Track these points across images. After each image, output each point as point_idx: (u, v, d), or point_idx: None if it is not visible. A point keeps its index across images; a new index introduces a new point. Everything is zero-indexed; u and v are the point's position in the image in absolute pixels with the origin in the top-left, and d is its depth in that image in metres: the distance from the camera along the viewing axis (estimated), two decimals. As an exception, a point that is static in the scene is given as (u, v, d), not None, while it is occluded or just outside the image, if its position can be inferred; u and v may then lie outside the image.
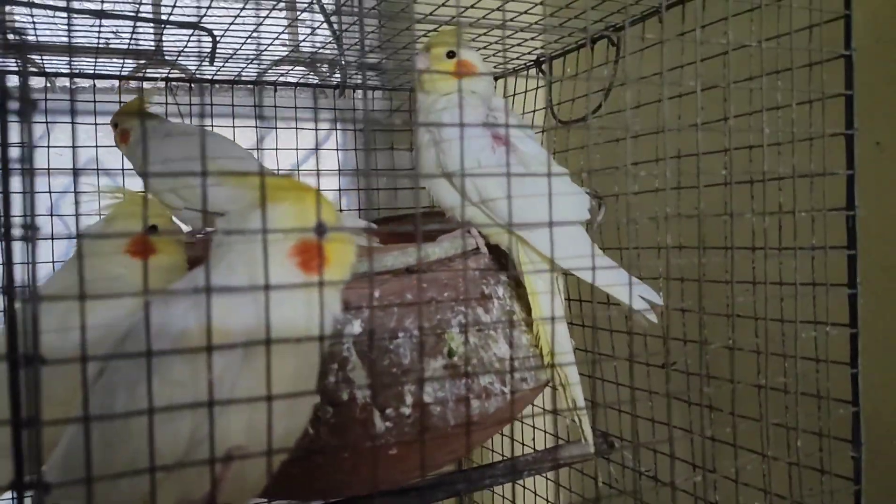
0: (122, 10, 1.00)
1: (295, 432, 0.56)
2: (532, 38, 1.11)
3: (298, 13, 1.14)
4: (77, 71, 1.22)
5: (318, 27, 1.16)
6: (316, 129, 1.40)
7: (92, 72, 1.21)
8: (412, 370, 0.80)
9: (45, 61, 1.19)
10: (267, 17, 0.92)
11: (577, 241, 0.85)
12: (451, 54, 0.90)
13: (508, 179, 0.61)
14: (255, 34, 1.08)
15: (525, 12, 0.99)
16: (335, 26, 1.16)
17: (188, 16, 1.07)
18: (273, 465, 0.54)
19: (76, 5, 1.14)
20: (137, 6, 0.90)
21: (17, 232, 0.43)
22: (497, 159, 0.86)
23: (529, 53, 1.18)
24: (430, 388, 0.80)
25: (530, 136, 0.93)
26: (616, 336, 1.03)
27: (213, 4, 0.94)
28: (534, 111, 1.22)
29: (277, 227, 0.52)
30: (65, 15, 0.90)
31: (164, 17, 1.00)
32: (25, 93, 0.43)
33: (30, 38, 1.11)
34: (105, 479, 0.44)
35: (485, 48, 1.16)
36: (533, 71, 1.21)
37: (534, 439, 1.23)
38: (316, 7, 1.13)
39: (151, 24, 0.97)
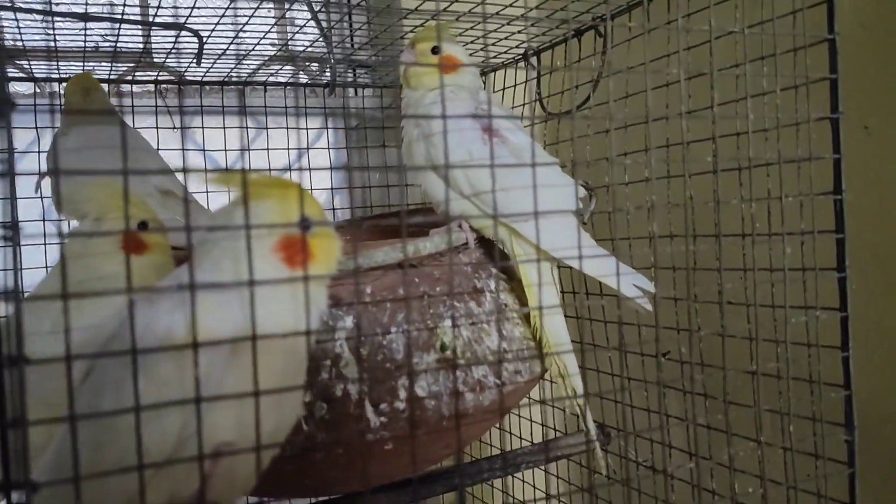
0: (108, 13, 0.99)
1: (284, 428, 0.56)
2: (519, 32, 1.11)
3: (284, 11, 1.14)
4: (66, 76, 1.21)
5: (305, 24, 1.16)
6: (307, 129, 1.40)
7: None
8: (406, 365, 0.80)
9: (33, 66, 1.19)
10: (252, 16, 0.92)
11: (570, 231, 0.85)
12: (435, 50, 0.90)
13: (493, 171, 0.61)
14: (242, 34, 1.08)
15: (510, 5, 0.99)
16: (323, 24, 1.16)
17: (175, 17, 1.07)
18: (263, 461, 0.54)
19: (63, 9, 1.14)
20: (122, 8, 0.90)
21: (-2, 233, 0.43)
22: (488, 151, 0.85)
23: (517, 47, 1.18)
24: (423, 382, 0.80)
25: (520, 127, 0.93)
26: (610, 326, 1.03)
27: (199, 5, 0.95)
28: (523, 105, 1.22)
29: (261, 223, 0.52)
30: (50, 19, 0.90)
31: (149, 19, 1.01)
32: (4, 93, 0.43)
33: (16, 42, 1.11)
34: (92, 478, 0.44)
35: (472, 42, 1.16)
36: (521, 64, 1.21)
37: (531, 432, 1.23)
38: (304, 5, 1.13)
39: (137, 27, 0.97)
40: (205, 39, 1.02)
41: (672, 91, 0.85)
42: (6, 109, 0.44)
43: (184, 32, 0.98)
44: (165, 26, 0.94)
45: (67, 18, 0.88)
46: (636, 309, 0.85)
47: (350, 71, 1.38)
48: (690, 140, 0.82)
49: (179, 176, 1.04)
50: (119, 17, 0.90)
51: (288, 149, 1.35)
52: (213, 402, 0.48)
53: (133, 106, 1.23)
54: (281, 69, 1.32)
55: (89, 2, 0.86)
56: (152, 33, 1.01)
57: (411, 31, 1.09)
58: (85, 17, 0.86)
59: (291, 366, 0.54)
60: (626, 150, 0.93)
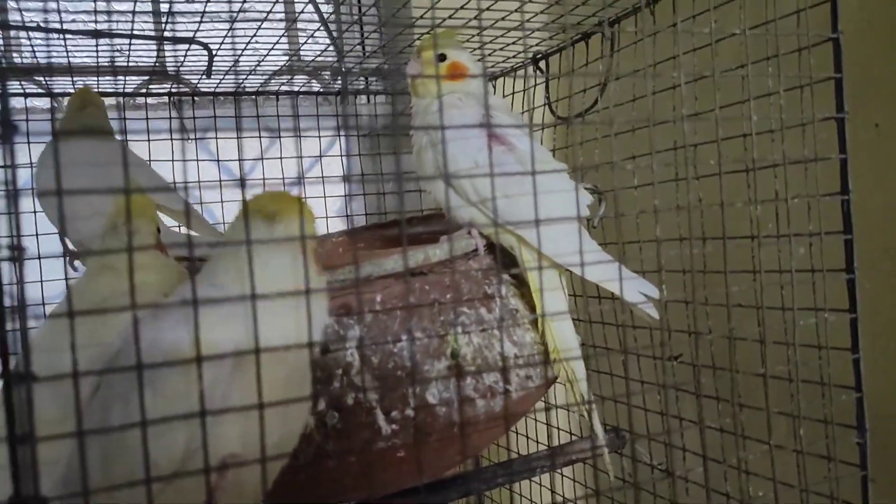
0: (119, 29, 1.00)
1: (291, 438, 0.56)
2: (526, 36, 1.11)
3: (294, 19, 1.15)
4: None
5: (314, 32, 1.17)
6: (319, 137, 1.41)
7: (95, 91, 1.23)
8: (416, 372, 0.80)
9: (51, 82, 1.21)
10: (259, 28, 0.93)
11: (575, 237, 0.85)
12: (442, 57, 0.90)
13: (492, 180, 0.61)
14: (252, 45, 1.09)
15: (517, 10, 0.99)
16: (333, 33, 1.17)
17: (186, 31, 1.09)
18: (271, 472, 0.55)
19: (79, 26, 1.15)
20: (132, 24, 0.91)
21: (4, 253, 0.44)
22: (494, 158, 0.86)
23: (526, 51, 1.18)
24: (434, 389, 0.81)
25: (528, 133, 0.93)
26: (622, 329, 1.03)
27: (209, 18, 0.96)
28: (532, 109, 1.22)
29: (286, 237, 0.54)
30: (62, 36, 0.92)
31: (160, 34, 1.02)
32: (6, 116, 0.44)
33: (32, 59, 1.13)
34: (101, 492, 0.45)
35: (480, 48, 1.16)
36: (531, 68, 1.21)
37: (547, 434, 1.23)
38: (314, 14, 1.14)
39: (148, 41, 0.98)
40: (215, 52, 1.03)
41: (679, 93, 0.85)
42: (8, 132, 0.45)
43: (194, 46, 0.99)
44: (175, 41, 0.95)
45: (79, 35, 0.89)
46: (641, 315, 0.85)
47: (362, 79, 1.39)
48: (697, 142, 0.82)
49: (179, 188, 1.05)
50: (129, 33, 0.92)
51: (300, 157, 1.36)
52: (220, 415, 0.49)
53: (147, 118, 1.25)
54: (293, 78, 1.33)
55: (100, 19, 0.88)
56: (164, 48, 1.03)
57: (418, 39, 1.10)
58: (96, 34, 0.88)
59: (295, 376, 0.55)
60: (635, 153, 0.93)
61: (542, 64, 1.19)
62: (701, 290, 0.77)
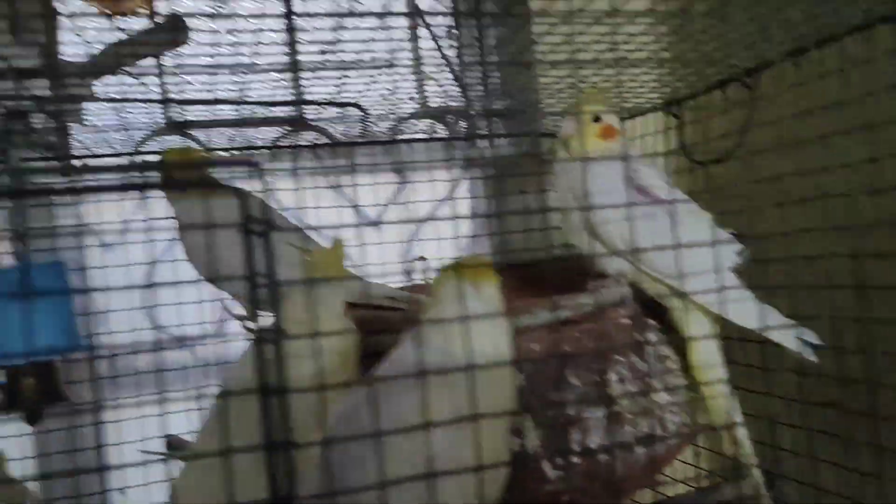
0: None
1: (499, 490, 0.61)
2: (660, 85, 1.14)
3: (433, 76, 1.21)
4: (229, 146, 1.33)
5: (446, 86, 1.24)
6: (448, 180, 1.47)
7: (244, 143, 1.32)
8: (577, 420, 0.84)
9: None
10: (412, 96, 0.99)
11: (728, 285, 0.87)
12: (596, 118, 0.94)
13: (668, 253, 0.64)
14: (392, 96, 1.16)
15: (650, 58, 1.02)
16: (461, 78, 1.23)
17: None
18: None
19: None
20: (299, 91, 0.98)
21: (269, 335, 0.50)
22: (643, 212, 0.89)
23: (658, 96, 1.21)
24: (595, 436, 0.84)
25: (670, 184, 0.96)
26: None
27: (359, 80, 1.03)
28: (666, 153, 1.25)
29: (492, 305, 0.60)
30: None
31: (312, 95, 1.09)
32: (267, 215, 0.51)
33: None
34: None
35: (611, 91, 1.19)
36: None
37: (691, 477, 1.23)
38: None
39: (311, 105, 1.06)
40: (367, 111, 1.10)
41: (827, 142, 0.86)
42: (267, 230, 0.51)
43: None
44: (339, 105, 1.02)
45: (252, 105, 0.97)
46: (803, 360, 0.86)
47: (487, 123, 1.44)
48: (849, 192, 0.84)
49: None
50: (296, 99, 0.99)
51: (434, 200, 1.43)
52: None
53: (295, 168, 1.33)
54: (421, 126, 1.40)
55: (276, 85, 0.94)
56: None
57: (542, 77, 1.12)
58: (269, 104, 0.95)
59: (503, 432, 0.60)
60: (782, 199, 0.94)
61: (674, 109, 1.22)
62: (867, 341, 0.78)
